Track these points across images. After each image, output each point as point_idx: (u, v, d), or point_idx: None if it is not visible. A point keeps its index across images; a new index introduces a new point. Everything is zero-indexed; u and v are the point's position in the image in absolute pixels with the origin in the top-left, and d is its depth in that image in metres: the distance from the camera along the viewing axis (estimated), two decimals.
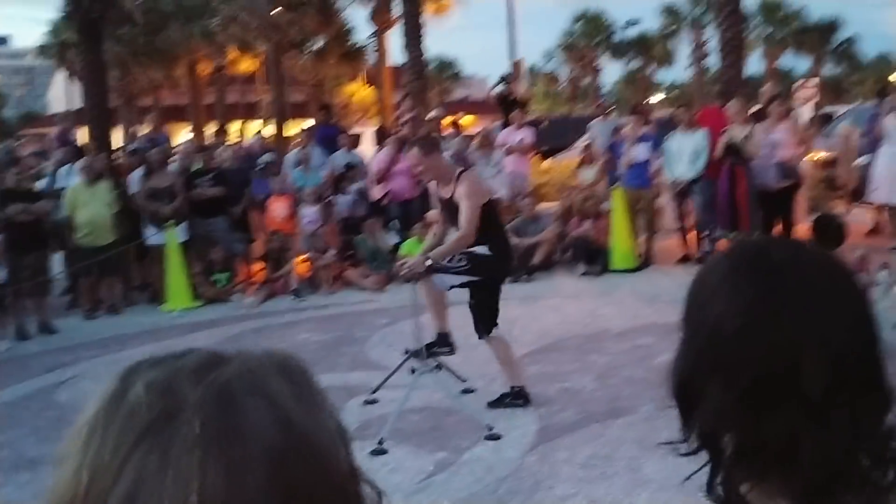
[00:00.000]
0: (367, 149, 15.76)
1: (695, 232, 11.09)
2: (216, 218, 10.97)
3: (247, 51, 32.41)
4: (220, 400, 0.63)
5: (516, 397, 6.02)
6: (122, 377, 0.67)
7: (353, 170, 12.13)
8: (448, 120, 13.58)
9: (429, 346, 6.10)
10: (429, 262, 5.76)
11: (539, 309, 9.19)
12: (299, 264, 10.99)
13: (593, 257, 10.87)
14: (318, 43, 31.44)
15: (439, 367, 6.18)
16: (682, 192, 10.96)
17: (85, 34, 17.07)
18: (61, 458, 0.65)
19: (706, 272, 1.07)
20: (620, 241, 10.87)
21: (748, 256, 1.04)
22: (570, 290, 10.16)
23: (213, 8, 27.53)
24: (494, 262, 5.94)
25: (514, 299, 9.67)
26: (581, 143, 15.00)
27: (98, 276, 10.30)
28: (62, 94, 43.48)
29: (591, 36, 51.98)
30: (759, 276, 1.00)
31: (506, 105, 14.17)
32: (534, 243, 10.97)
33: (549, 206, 12.71)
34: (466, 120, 18.33)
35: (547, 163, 16.58)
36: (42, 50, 38.41)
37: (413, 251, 6.32)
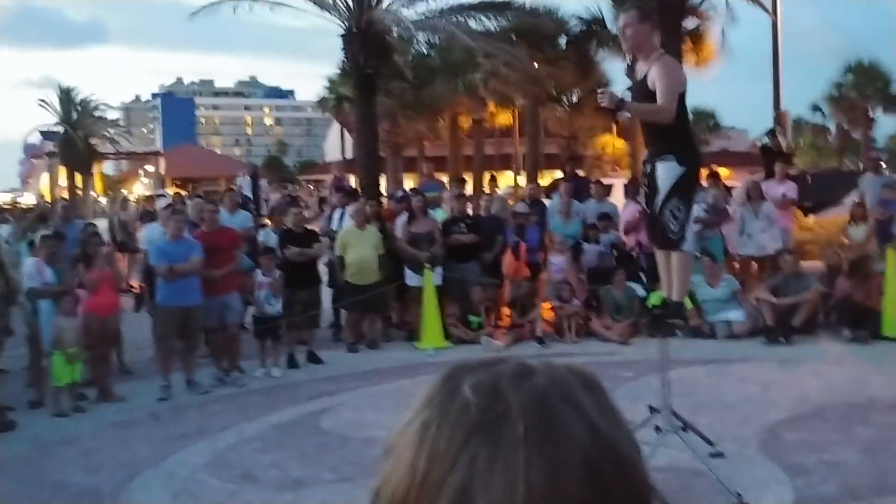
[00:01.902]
0: (618, 200, 15.69)
1: None
2: (470, 263, 11.39)
3: (505, 104, 33.42)
4: (539, 406, 0.71)
5: (677, 312, 5.82)
6: (447, 379, 0.76)
7: (605, 220, 12.14)
8: (706, 171, 13.23)
9: (660, 315, 5.94)
10: (620, 102, 5.45)
11: (799, 373, 8.66)
12: (545, 311, 11.11)
13: (861, 321, 10.08)
14: (575, 95, 31.78)
15: (686, 427, 5.92)
16: None
17: (360, 89, 18.43)
18: (390, 450, 0.75)
19: None
20: (893, 306, 10.02)
21: None
22: (834, 355, 9.48)
23: (476, 63, 28.68)
24: (689, 175, 5.58)
25: (771, 361, 9.24)
26: (850, 198, 14.07)
27: (362, 312, 11.00)
28: (337, 143, 47.05)
29: (863, 87, 48.57)
30: None
31: (769, 157, 13.60)
32: (795, 303, 10.37)
33: (812, 265, 11.99)
34: (724, 172, 17.74)
35: (811, 218, 15.66)
36: (321, 103, 41.75)
37: (659, 303, 6.13)
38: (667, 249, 5.79)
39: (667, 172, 5.48)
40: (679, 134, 5.54)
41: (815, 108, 54.32)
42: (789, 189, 12.33)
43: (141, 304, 12.01)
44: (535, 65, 26.18)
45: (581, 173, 17.16)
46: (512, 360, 0.77)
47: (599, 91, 5.62)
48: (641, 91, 5.51)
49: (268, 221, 13.61)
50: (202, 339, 9.58)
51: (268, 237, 11.03)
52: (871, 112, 49.26)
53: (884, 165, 14.04)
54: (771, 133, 14.38)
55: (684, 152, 5.52)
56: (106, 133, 44.01)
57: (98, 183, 51.00)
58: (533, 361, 0.77)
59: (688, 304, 7.12)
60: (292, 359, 10.03)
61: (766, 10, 19.50)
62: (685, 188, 5.54)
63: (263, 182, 19.08)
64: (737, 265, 11.81)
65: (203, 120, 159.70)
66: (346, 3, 17.58)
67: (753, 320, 10.59)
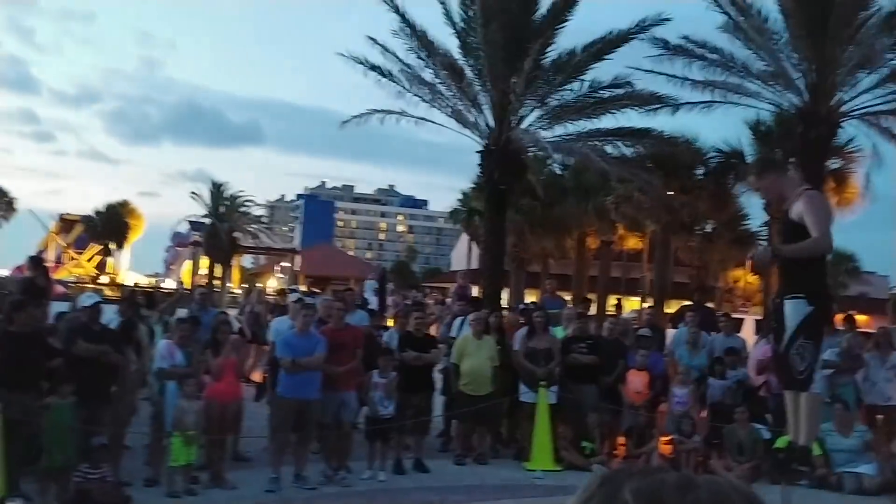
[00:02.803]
0: (748, 336, 15.18)
1: None
2: (588, 385, 11.17)
3: (636, 229, 33.25)
4: None
5: (803, 457, 5.54)
6: (607, 481, 0.77)
7: (733, 355, 11.75)
8: (841, 315, 12.70)
9: (785, 459, 5.64)
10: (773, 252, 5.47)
11: None
12: (663, 445, 10.72)
13: None
14: (708, 226, 31.35)
15: None
16: None
17: (491, 203, 18.83)
18: None
19: None
20: None
21: None
22: None
23: (609, 186, 28.84)
24: (818, 314, 5.43)
25: None
26: None
27: (473, 424, 10.90)
28: (463, 254, 47.74)
29: None
30: None
31: None
32: None
33: None
34: (861, 318, 16.98)
35: None
36: (452, 214, 42.68)
37: (785, 446, 5.86)
38: (793, 389, 5.60)
39: (795, 310, 5.39)
40: (811, 272, 5.48)
41: None
42: None
43: (262, 394, 12.30)
44: (670, 192, 26.08)
45: (710, 305, 16.75)
46: (673, 471, 0.77)
47: (749, 256, 5.81)
48: (787, 224, 5.57)
49: (391, 323, 13.82)
50: (315, 435, 9.70)
51: (391, 339, 11.19)
52: None
53: None
54: None
55: (815, 291, 5.44)
56: (249, 228, 46.12)
57: (236, 274, 53.24)
58: (696, 475, 0.76)
59: (816, 451, 6.76)
60: (399, 464, 9.99)
61: None
62: (813, 328, 5.43)
63: (389, 286, 19.49)
64: (862, 413, 11.15)
65: (341, 223, 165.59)
66: (487, 122, 18.16)
67: (885, 475, 9.90)
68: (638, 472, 0.77)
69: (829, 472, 9.99)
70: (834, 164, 21.28)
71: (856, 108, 17.37)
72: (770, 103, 18.04)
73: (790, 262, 5.49)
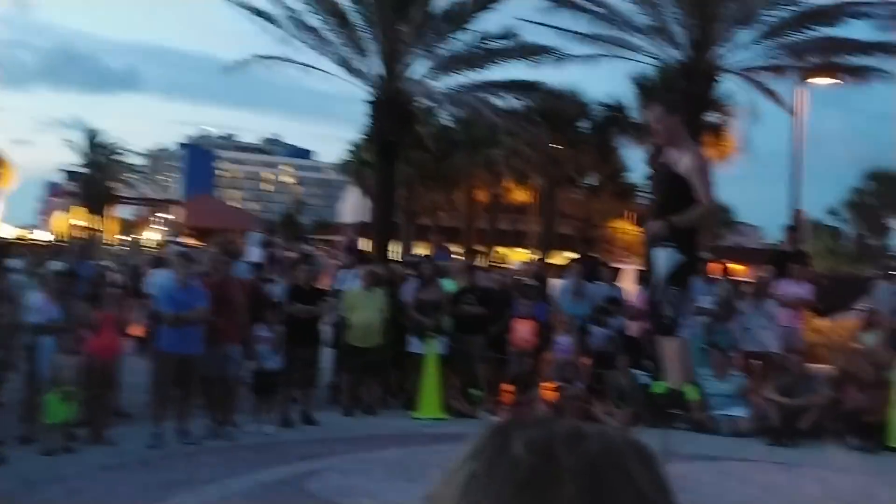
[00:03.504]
0: (629, 286, 15.64)
1: None
2: (475, 336, 11.29)
3: (523, 182, 33.70)
4: (591, 470, 0.69)
5: (678, 400, 5.74)
6: (496, 433, 0.74)
7: (614, 304, 12.07)
8: (717, 265, 13.22)
9: (662, 404, 5.83)
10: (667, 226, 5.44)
11: (801, 478, 8.47)
12: (547, 391, 10.96)
13: (868, 430, 9.89)
14: (592, 179, 32.05)
15: None
16: None
17: (381, 155, 18.65)
18: (431, 499, 0.73)
19: None
20: None
21: None
22: (839, 462, 9.27)
23: (497, 140, 29.05)
24: (689, 262, 5.61)
25: (774, 463, 9.05)
26: (863, 304, 13.97)
27: (361, 375, 10.88)
28: (352, 206, 47.39)
29: (883, 195, 48.88)
30: None
31: (783, 257, 13.54)
32: (802, 405, 10.20)
33: (821, 368, 11.83)
34: (735, 267, 17.73)
35: (822, 321, 15.53)
36: (342, 166, 42.20)
37: (662, 392, 6.05)
38: (663, 335, 5.76)
39: (665, 259, 5.50)
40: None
41: (833, 213, 54.59)
42: (804, 290, 12.26)
43: (143, 349, 11.93)
44: (556, 146, 26.47)
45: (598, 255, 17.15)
46: (565, 421, 0.76)
47: (645, 231, 5.72)
48: (671, 177, 5.58)
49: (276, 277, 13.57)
50: (199, 389, 9.50)
51: (272, 292, 10.95)
52: (887, 221, 49.44)
53: None
54: (791, 229, 14.33)
55: (684, 240, 5.55)
56: (127, 178, 44.46)
57: (113, 226, 51.37)
58: (587, 425, 0.75)
59: (693, 395, 7.00)
60: (286, 417, 9.89)
61: (788, 111, 19.69)
62: (682, 275, 5.56)
63: (278, 238, 19.14)
64: (739, 361, 11.67)
65: (224, 173, 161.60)
66: (376, 71, 17.90)
67: (759, 419, 10.42)
68: (528, 423, 0.75)
69: (705, 415, 10.43)
70: (712, 118, 21.95)
71: (734, 63, 17.91)
72: (653, 57, 18.40)
73: (662, 212, 5.58)
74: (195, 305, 8.99)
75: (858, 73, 17.88)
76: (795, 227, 14.00)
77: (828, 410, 10.41)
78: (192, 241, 38.32)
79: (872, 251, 51.52)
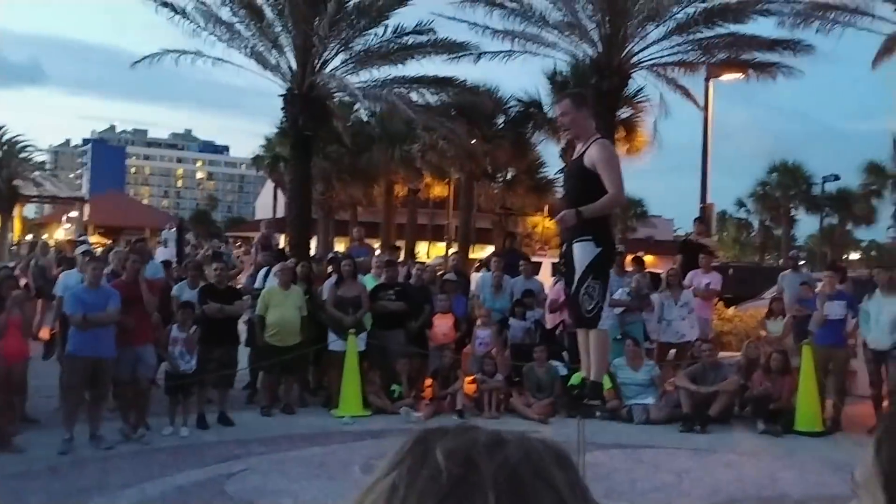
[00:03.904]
0: (546, 279, 15.85)
1: (890, 400, 10.27)
2: (395, 331, 11.28)
3: (441, 177, 33.77)
4: (511, 478, 0.69)
5: (595, 392, 5.89)
6: (417, 442, 0.74)
7: (532, 297, 12.21)
8: (631, 257, 13.50)
9: (578, 395, 5.94)
10: (580, 215, 5.48)
11: (713, 463, 8.72)
12: (467, 384, 11.03)
13: (775, 415, 10.26)
14: (509, 174, 32.31)
15: None
16: (879, 357, 10.26)
17: (297, 149, 18.44)
18: None
19: None
20: (806, 401, 10.23)
21: None
22: (748, 447, 9.59)
23: (415, 134, 29.02)
24: (605, 255, 5.69)
25: (686, 450, 9.29)
26: (769, 293, 14.45)
27: (278, 375, 10.75)
28: (268, 202, 46.77)
29: (786, 187, 50.69)
30: None
31: (692, 247, 13.92)
32: (712, 392, 10.50)
33: (730, 355, 12.21)
34: (648, 258, 18.12)
35: (731, 310, 16.03)
36: (256, 161, 41.55)
37: (578, 383, 6.16)
38: (582, 327, 5.87)
39: (583, 252, 5.59)
40: (600, 219, 5.67)
41: (740, 204, 56.37)
42: (713, 280, 12.62)
43: (51, 352, 11.56)
44: (473, 141, 26.59)
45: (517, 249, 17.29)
46: (485, 429, 0.76)
47: (555, 217, 5.78)
48: (580, 170, 5.64)
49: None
50: (111, 392, 9.26)
51: (182, 291, 10.71)
52: (793, 211, 51.27)
53: (802, 263, 14.49)
54: (699, 220, 14.71)
55: (601, 233, 5.65)
56: (31, 175, 42.86)
57: (17, 225, 49.52)
58: (506, 432, 0.75)
59: (607, 385, 7.14)
60: (202, 419, 9.71)
61: (698, 105, 20.21)
62: (600, 268, 5.66)
63: (190, 235, 18.76)
64: (655, 351, 11.96)
65: (133, 169, 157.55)
66: (290, 65, 17.70)
67: (671, 407, 10.69)
68: (448, 431, 0.76)
69: (620, 404, 10.66)
70: (624, 113, 22.37)
71: (645, 59, 18.29)
72: (566, 53, 18.66)
73: (572, 205, 5.64)
74: (105, 307, 8.75)
75: (764, 68, 18.50)
76: (703, 219, 14.37)
77: (737, 397, 10.75)
78: (101, 240, 37.29)
79: (777, 241, 53.43)
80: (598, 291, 5.64)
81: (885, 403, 10.27)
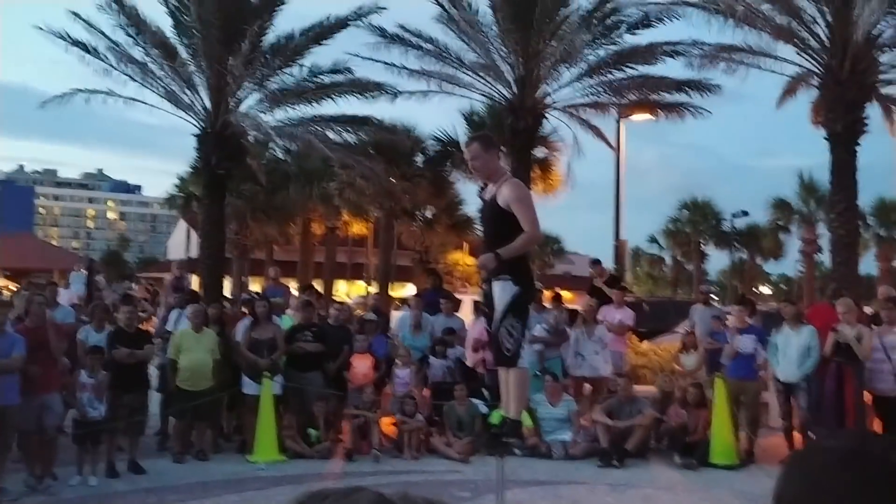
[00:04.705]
0: (466, 316, 15.87)
1: (801, 431, 10.56)
2: (312, 373, 11.09)
3: (360, 215, 33.67)
4: None
5: (514, 429, 5.91)
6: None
7: (453, 334, 12.20)
8: (549, 293, 13.63)
9: (497, 433, 5.92)
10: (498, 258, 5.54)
11: (630, 498, 8.79)
12: (386, 426, 10.90)
13: (691, 448, 10.42)
14: (429, 211, 32.44)
15: None
16: (789, 389, 10.56)
17: (210, 188, 18.15)
18: None
19: (818, 475, 1.01)
20: (721, 434, 10.42)
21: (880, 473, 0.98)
22: (665, 481, 9.71)
23: (332, 172, 28.92)
24: (524, 294, 5.74)
25: (603, 485, 9.35)
26: (682, 327, 14.75)
27: (191, 420, 10.44)
28: (181, 242, 45.86)
29: (697, 223, 52.17)
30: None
31: (598, 291, 13.88)
32: (629, 426, 10.62)
33: (645, 389, 12.39)
34: (566, 294, 18.33)
35: (645, 344, 16.30)
36: (169, 200, 40.77)
37: (498, 421, 6.15)
38: (503, 366, 5.87)
39: (503, 291, 5.63)
40: (517, 259, 5.72)
41: (653, 240, 57.76)
42: (626, 315, 12.83)
43: None
44: (391, 179, 26.65)
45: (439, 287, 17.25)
46: (368, 492, 0.73)
47: (477, 266, 5.89)
48: (495, 211, 5.70)
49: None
50: (15, 442, 8.85)
51: (88, 336, 10.34)
52: (703, 246, 52.74)
53: (714, 298, 14.86)
54: (597, 263, 14.76)
55: (519, 272, 5.71)
56: None
57: None
58: (390, 492, 0.73)
59: (527, 422, 7.15)
60: (112, 467, 9.36)
61: (610, 145, 20.71)
62: (520, 307, 5.70)
63: (101, 277, 18.23)
64: (571, 385, 12.05)
65: (42, 210, 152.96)
66: (203, 104, 17.47)
67: (589, 441, 10.76)
68: (331, 494, 0.72)
69: (539, 440, 10.69)
70: (539, 152, 22.73)
71: (558, 100, 18.67)
72: (482, 94, 18.91)
73: (490, 245, 5.73)
74: (9, 353, 8.39)
75: (673, 108, 19.09)
76: (598, 261, 14.56)
77: (653, 430, 10.89)
78: (7, 283, 35.94)
79: (689, 276, 54.79)
80: (517, 330, 5.68)
81: (796, 434, 10.55)
